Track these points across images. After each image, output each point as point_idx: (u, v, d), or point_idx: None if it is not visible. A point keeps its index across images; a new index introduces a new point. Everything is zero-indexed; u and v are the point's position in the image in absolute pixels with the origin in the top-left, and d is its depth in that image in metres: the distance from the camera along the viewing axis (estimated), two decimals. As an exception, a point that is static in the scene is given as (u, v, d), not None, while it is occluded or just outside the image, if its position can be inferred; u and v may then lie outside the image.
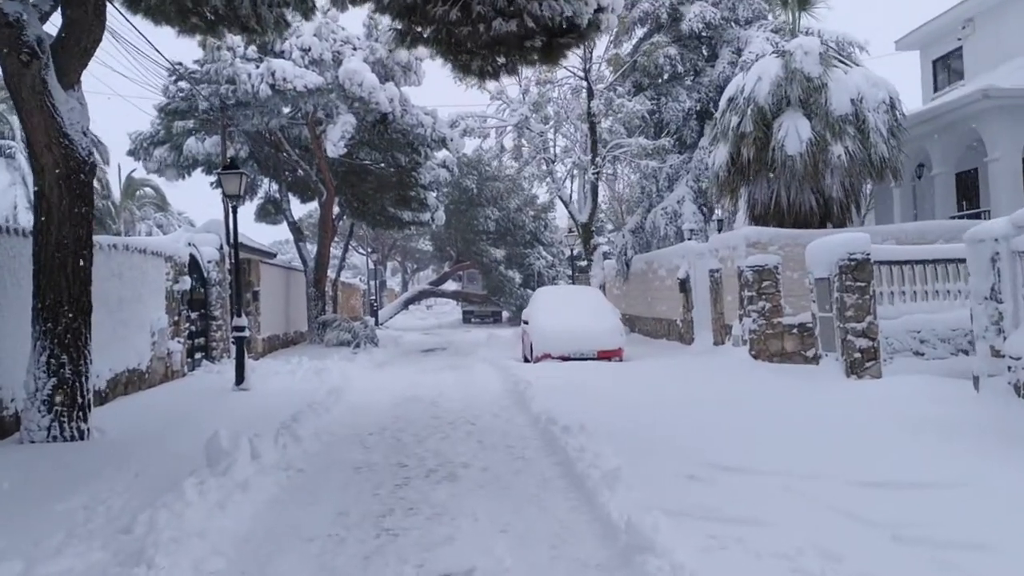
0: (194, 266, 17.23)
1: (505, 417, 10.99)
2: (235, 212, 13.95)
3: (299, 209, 44.82)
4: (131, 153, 25.31)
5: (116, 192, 38.65)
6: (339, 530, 5.86)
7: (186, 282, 15.63)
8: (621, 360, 16.70)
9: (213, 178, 27.39)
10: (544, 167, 25.51)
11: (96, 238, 10.04)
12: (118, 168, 39.96)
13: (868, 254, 11.65)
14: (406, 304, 46.61)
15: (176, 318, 15.33)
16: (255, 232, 29.97)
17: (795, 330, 15.26)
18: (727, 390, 11.69)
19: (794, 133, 15.47)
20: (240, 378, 13.45)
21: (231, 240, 19.02)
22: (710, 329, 17.72)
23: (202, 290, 17.71)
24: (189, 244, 16.87)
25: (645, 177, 24.43)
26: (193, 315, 16.87)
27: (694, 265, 18.92)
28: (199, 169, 26.41)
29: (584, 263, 28.29)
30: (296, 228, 27.17)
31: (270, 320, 23.31)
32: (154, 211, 40.16)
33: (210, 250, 18.12)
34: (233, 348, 18.90)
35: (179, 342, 15.29)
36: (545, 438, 8.99)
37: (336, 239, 46.52)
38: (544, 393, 11.92)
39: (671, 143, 23.69)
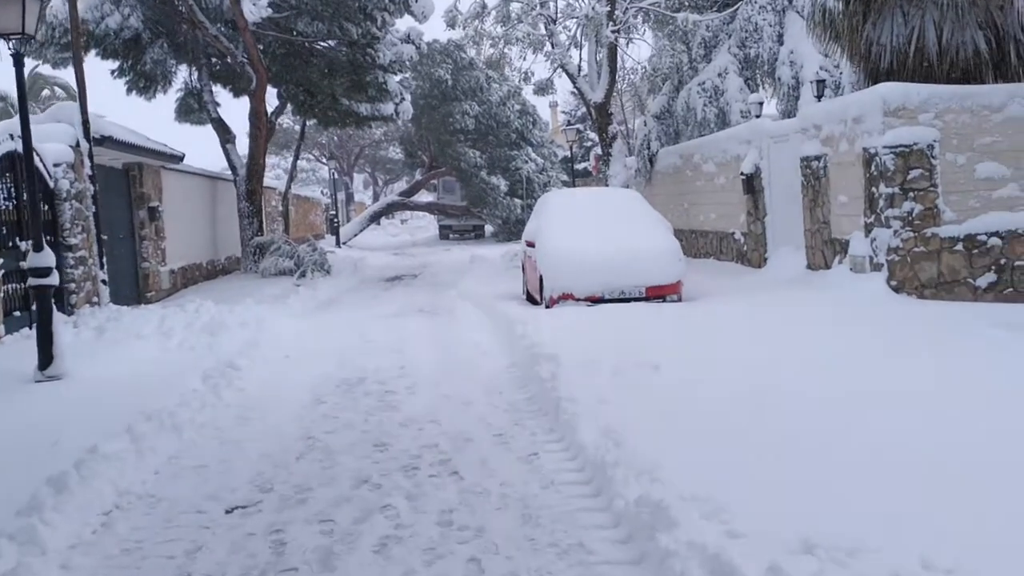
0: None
1: (522, 446, 5.41)
2: (21, 65, 7.85)
3: (236, 106, 37.92)
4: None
5: (11, 91, 31.97)
6: None
7: (-16, 194, 9.71)
8: (680, 299, 10.85)
9: (116, 64, 21.23)
10: (542, 28, 19.15)
11: None
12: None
13: None
14: (374, 219, 40.39)
15: (-31, 252, 9.49)
16: (177, 137, 23.78)
17: (959, 245, 9.67)
18: (963, 380, 6.01)
19: (964, -74, 9.56)
20: (46, 358, 7.64)
21: (88, 132, 13.04)
22: (800, 245, 12.01)
23: (47, 207, 11.84)
24: (10, 136, 10.89)
25: (675, 42, 18.13)
26: (24, 245, 11.03)
27: (768, 153, 13.12)
28: (93, 52, 20.08)
29: (587, 163, 22.35)
30: (221, 125, 20.90)
31: (183, 246, 17.45)
32: (65, 115, 33.59)
33: (58, 148, 12.21)
34: (106, 290, 13.22)
35: (-24, 291, 9.48)
36: (644, 557, 3.37)
37: (288, 145, 40.19)
38: (586, 382, 6.34)
39: (709, -5, 17.49)
